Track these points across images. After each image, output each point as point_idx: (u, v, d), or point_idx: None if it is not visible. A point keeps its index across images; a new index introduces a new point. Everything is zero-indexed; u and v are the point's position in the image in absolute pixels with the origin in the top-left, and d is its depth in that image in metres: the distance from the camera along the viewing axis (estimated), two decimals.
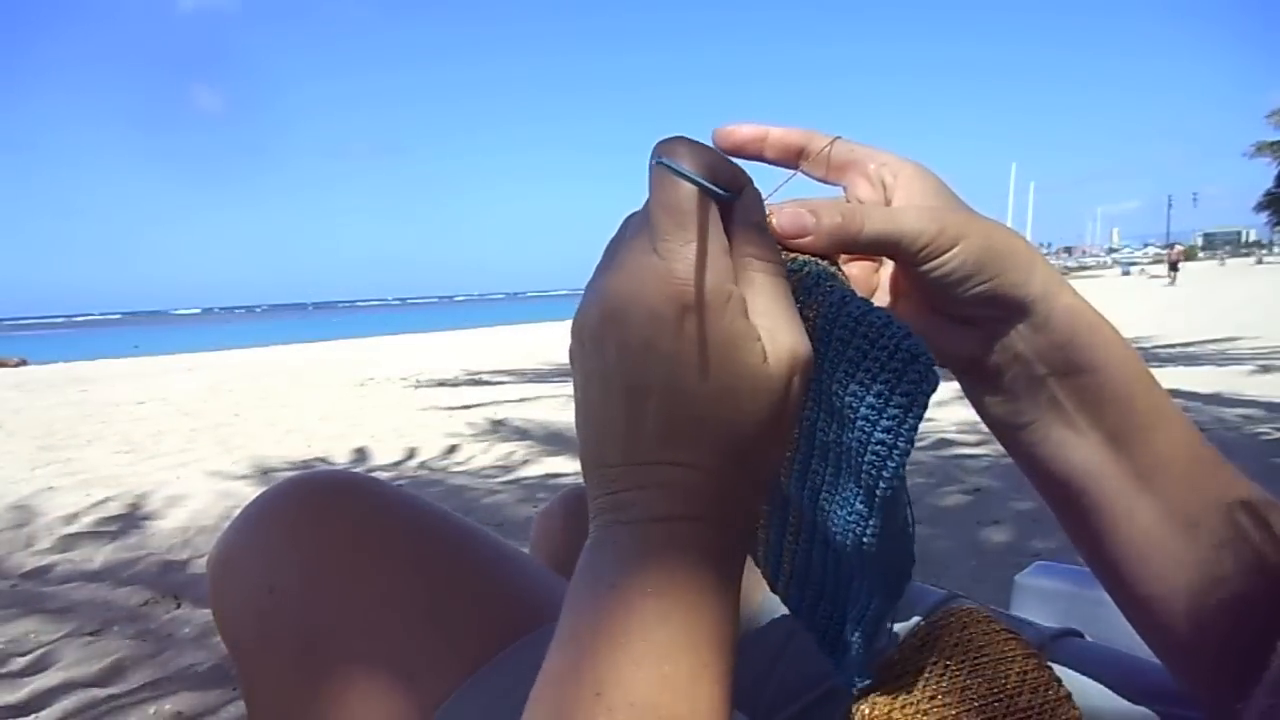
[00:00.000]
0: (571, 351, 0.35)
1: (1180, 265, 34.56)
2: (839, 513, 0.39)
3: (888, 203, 0.42)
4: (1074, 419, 0.42)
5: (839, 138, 0.43)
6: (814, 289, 0.37)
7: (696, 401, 0.32)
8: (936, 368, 0.35)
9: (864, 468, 0.36)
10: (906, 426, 0.35)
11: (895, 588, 0.42)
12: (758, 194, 0.36)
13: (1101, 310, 0.43)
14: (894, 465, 0.35)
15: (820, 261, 0.38)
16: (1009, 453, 0.45)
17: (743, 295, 0.33)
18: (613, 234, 0.36)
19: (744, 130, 0.42)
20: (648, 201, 0.33)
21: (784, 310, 0.34)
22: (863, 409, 0.35)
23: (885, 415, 0.35)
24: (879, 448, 0.35)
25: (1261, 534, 0.40)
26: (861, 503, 0.37)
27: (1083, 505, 0.43)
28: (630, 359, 0.32)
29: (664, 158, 0.33)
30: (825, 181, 0.44)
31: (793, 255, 0.38)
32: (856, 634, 0.43)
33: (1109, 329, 0.42)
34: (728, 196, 0.34)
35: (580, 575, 0.33)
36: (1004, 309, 0.40)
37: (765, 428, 0.33)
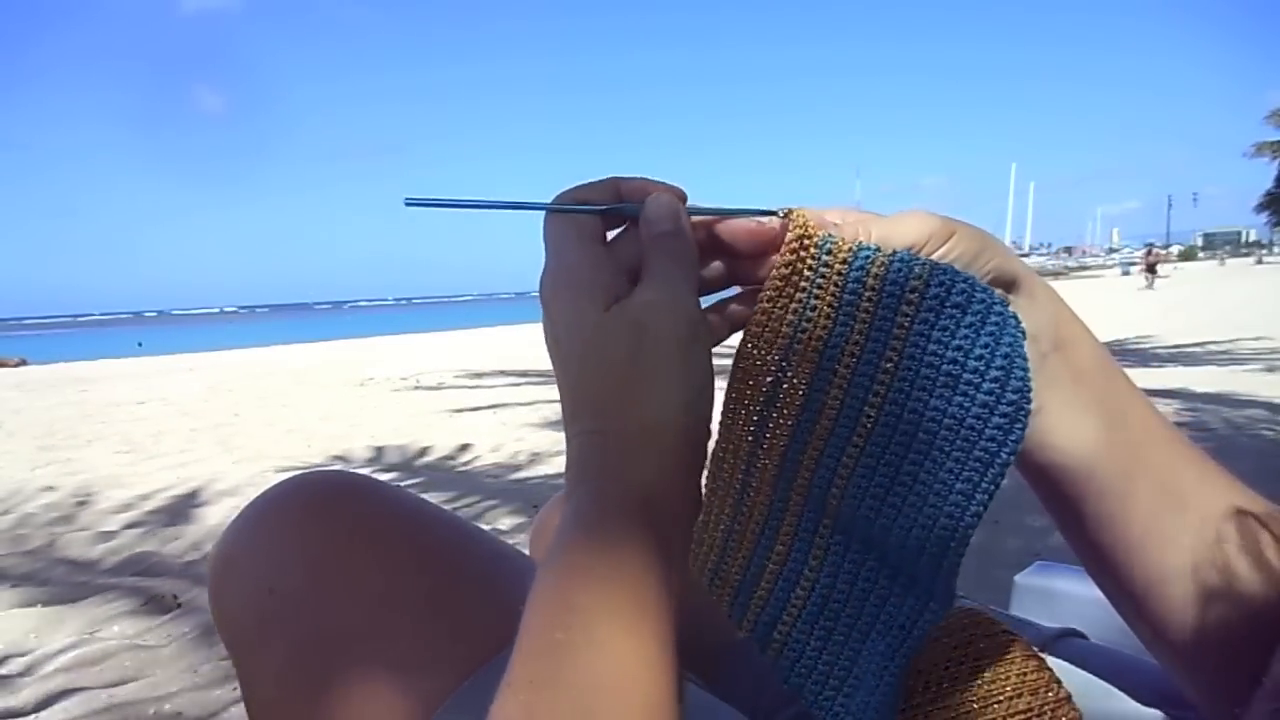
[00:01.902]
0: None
1: (1159, 268, 30.98)
2: (927, 500, 0.38)
3: None
4: (1074, 399, 0.43)
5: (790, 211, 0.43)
6: (911, 262, 0.38)
7: (568, 371, 0.38)
8: None
9: (988, 431, 0.36)
10: (1030, 381, 0.36)
11: (950, 596, 0.40)
12: (660, 200, 0.40)
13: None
14: (1022, 424, 0.36)
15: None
16: None
17: (587, 279, 0.38)
18: None
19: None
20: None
21: (656, 273, 0.38)
22: (992, 371, 0.36)
23: (1014, 374, 0.36)
24: (1007, 408, 0.36)
25: (1249, 537, 0.40)
26: (974, 474, 0.37)
27: (1084, 492, 0.44)
28: (549, 351, 0.40)
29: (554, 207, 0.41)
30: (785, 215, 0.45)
31: (864, 244, 0.40)
32: (892, 666, 0.40)
33: (1073, 311, 0.46)
34: (620, 210, 0.41)
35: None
36: (1004, 288, 0.43)
37: (618, 377, 0.36)
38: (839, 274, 0.39)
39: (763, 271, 0.41)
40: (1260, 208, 39.85)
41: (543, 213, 0.41)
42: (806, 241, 0.40)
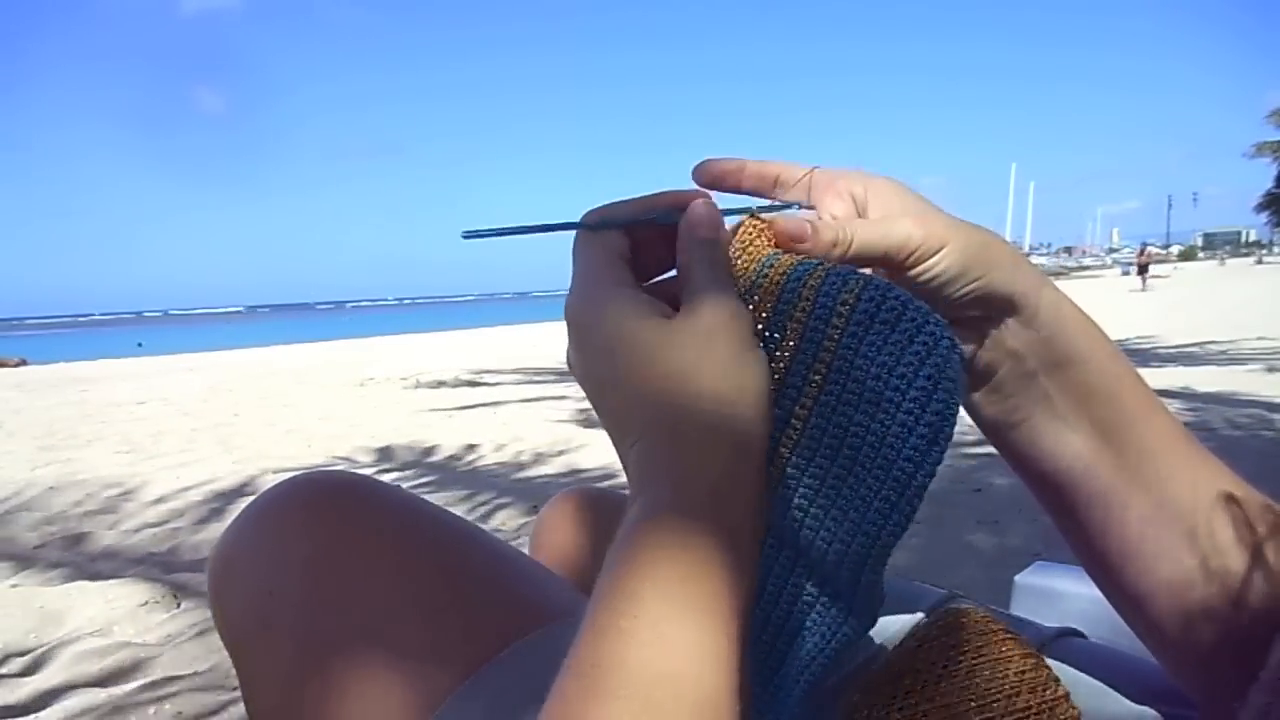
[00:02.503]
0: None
1: (1152, 268, 29.14)
2: (848, 515, 0.38)
3: (863, 216, 0.44)
4: (1064, 413, 0.43)
5: (817, 167, 0.45)
6: (848, 276, 0.38)
7: (629, 380, 0.37)
8: None
9: (905, 451, 0.36)
10: (954, 403, 0.35)
11: (870, 614, 0.40)
12: (701, 208, 0.41)
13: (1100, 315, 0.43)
14: (940, 447, 0.36)
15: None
16: (1002, 453, 0.46)
17: (630, 289, 0.39)
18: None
19: (722, 164, 0.46)
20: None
21: (708, 284, 0.39)
22: (912, 390, 0.36)
23: (936, 396, 0.35)
24: (925, 429, 0.35)
25: (1254, 532, 0.40)
26: (891, 492, 0.37)
27: (1075, 501, 0.44)
28: (584, 377, 0.40)
29: (585, 223, 0.41)
30: (802, 206, 0.46)
31: (804, 258, 0.40)
32: (806, 673, 0.41)
33: (1091, 323, 0.44)
34: (664, 219, 0.41)
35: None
36: (993, 307, 0.42)
37: (683, 377, 0.35)
38: (776, 285, 0.39)
39: None
40: (1260, 208, 39.83)
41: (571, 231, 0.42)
42: (753, 250, 0.41)
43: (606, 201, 0.43)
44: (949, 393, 0.35)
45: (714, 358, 0.36)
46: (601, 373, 0.38)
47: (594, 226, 0.41)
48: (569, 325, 0.40)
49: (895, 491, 0.37)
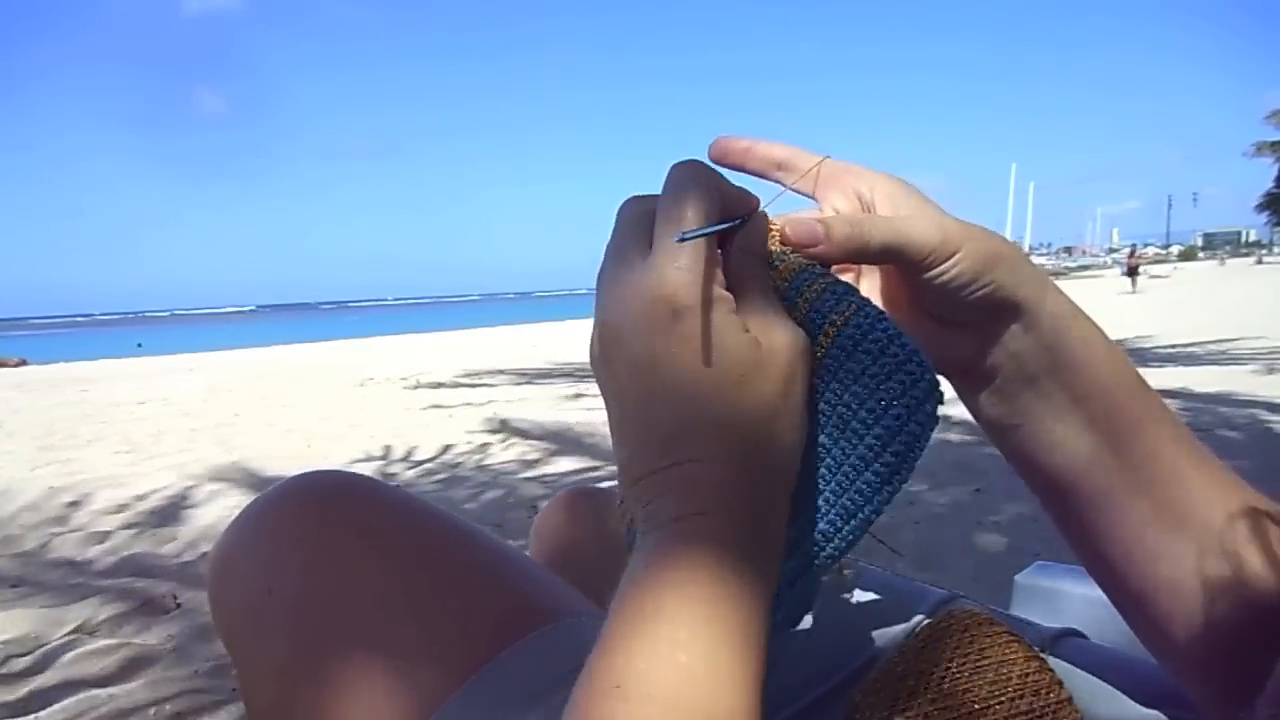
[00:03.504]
0: (599, 383, 0.37)
1: (1143, 269, 27.53)
2: (795, 522, 0.38)
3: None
4: (1066, 416, 0.43)
5: (828, 157, 0.44)
6: (844, 296, 0.37)
7: (699, 398, 0.33)
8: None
9: (857, 484, 0.36)
10: (918, 448, 0.35)
11: (791, 621, 0.40)
12: (763, 217, 0.39)
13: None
14: (893, 487, 0.35)
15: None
16: (1003, 454, 0.46)
17: (731, 297, 0.36)
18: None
19: (732, 142, 0.45)
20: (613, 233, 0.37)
21: (776, 309, 0.37)
22: (877, 427, 0.35)
23: (899, 437, 0.35)
24: (881, 467, 0.35)
25: (1261, 535, 0.40)
26: (837, 518, 0.37)
27: (1077, 502, 0.44)
28: (636, 371, 0.34)
29: (680, 232, 0.35)
30: (808, 196, 0.45)
31: (809, 264, 0.39)
32: None
33: (1094, 327, 0.43)
34: (733, 225, 0.37)
35: (620, 584, 0.34)
36: (999, 310, 0.41)
37: (768, 412, 0.34)
38: (777, 289, 0.39)
39: None
40: (1260, 208, 39.87)
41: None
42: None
43: (640, 193, 0.38)
44: (913, 436, 0.35)
45: (794, 396, 0.35)
46: (650, 384, 0.34)
47: (687, 236, 0.35)
48: (602, 328, 0.36)
49: (841, 519, 0.37)
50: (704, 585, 0.31)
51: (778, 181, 0.45)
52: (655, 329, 0.33)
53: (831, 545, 0.37)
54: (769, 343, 0.35)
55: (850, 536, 0.37)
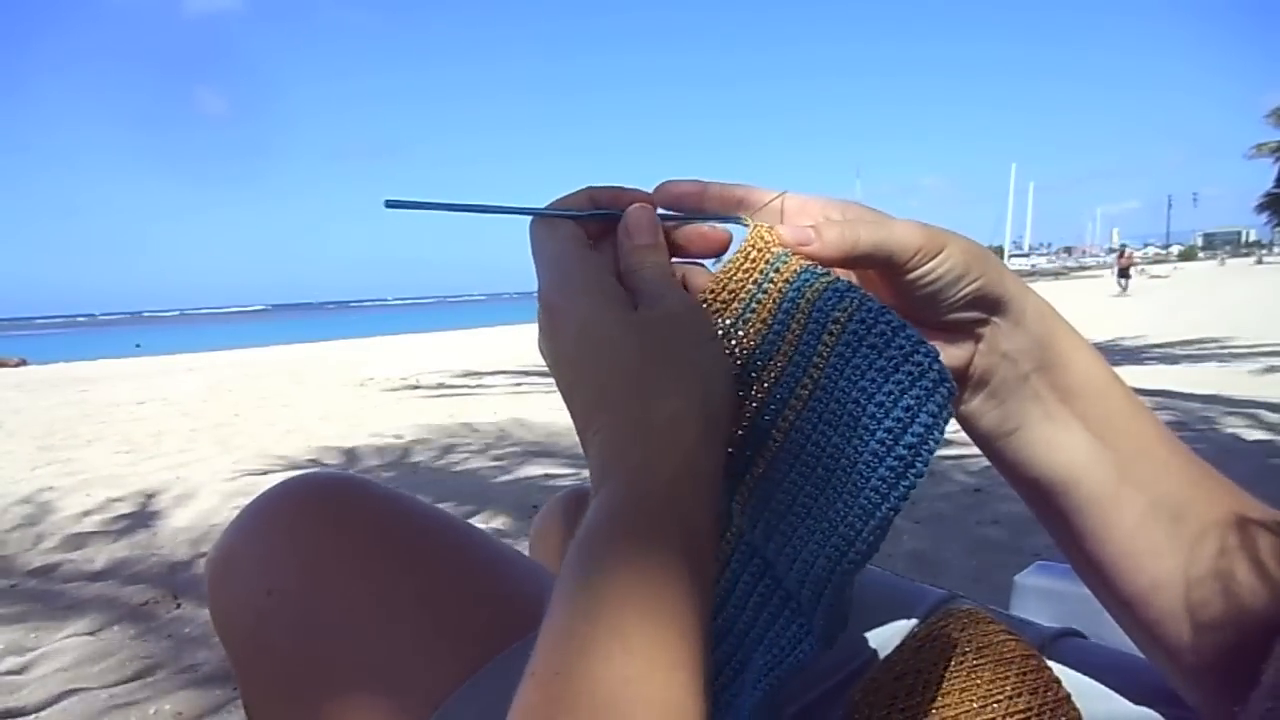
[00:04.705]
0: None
1: (1132, 271, 25.99)
2: (814, 536, 0.37)
3: None
4: (1057, 413, 0.43)
5: (785, 193, 0.44)
6: (846, 293, 0.37)
7: (587, 369, 0.37)
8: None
9: (873, 481, 0.35)
10: (932, 439, 0.34)
11: (830, 636, 0.38)
12: (638, 214, 0.42)
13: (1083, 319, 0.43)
14: (909, 482, 0.34)
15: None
16: (996, 465, 0.46)
17: (608, 277, 0.40)
18: None
19: (682, 186, 0.45)
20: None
21: (661, 278, 0.40)
22: (888, 420, 0.34)
23: (912, 429, 0.34)
24: (895, 461, 0.34)
25: (1249, 534, 0.40)
26: (856, 520, 0.35)
27: (1069, 504, 0.44)
28: (553, 356, 0.40)
29: (541, 214, 0.42)
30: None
31: (809, 265, 0.40)
32: (762, 683, 0.39)
33: (1072, 327, 0.45)
34: (603, 215, 0.42)
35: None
36: (987, 308, 0.42)
37: (646, 370, 0.36)
38: (779, 291, 0.39)
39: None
40: (1260, 208, 39.85)
41: (523, 218, 0.42)
42: (756, 255, 0.40)
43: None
44: (926, 426, 0.34)
45: (677, 348, 0.37)
46: (570, 359, 0.38)
47: (546, 214, 0.42)
48: (543, 311, 0.39)
49: (860, 520, 0.35)
50: (625, 565, 0.31)
51: (737, 222, 0.43)
52: (552, 318, 0.39)
53: (854, 550, 0.36)
54: (646, 308, 0.38)
55: (872, 538, 0.35)
